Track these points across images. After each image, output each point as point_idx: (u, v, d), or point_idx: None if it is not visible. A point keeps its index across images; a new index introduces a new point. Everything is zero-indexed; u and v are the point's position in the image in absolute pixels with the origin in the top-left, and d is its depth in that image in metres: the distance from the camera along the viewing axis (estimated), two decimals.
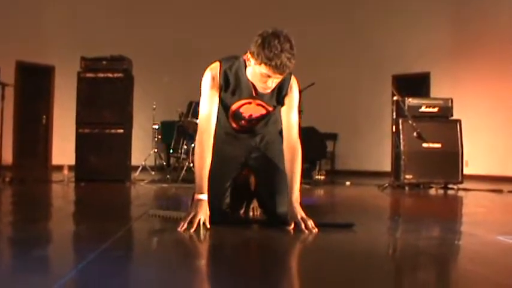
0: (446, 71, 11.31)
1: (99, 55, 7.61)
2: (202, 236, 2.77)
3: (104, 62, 7.50)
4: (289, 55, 2.79)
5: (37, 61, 11.86)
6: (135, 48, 10.39)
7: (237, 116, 3.23)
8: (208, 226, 2.88)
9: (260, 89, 3.01)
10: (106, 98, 7.40)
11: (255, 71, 2.92)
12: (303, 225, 2.92)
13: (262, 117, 3.27)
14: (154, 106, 9.07)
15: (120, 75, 7.46)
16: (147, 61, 11.33)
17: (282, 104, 3.17)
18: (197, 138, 3.07)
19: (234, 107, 3.17)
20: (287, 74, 2.95)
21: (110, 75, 7.43)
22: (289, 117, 3.18)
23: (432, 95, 11.06)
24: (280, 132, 3.26)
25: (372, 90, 12.39)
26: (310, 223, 2.94)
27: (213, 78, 3.06)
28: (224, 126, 3.29)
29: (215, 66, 3.08)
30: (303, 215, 3.00)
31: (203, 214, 2.90)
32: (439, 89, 11.02)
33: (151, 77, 11.71)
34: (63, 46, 11.85)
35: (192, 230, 2.81)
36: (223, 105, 3.17)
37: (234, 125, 3.29)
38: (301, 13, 12.75)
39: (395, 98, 7.49)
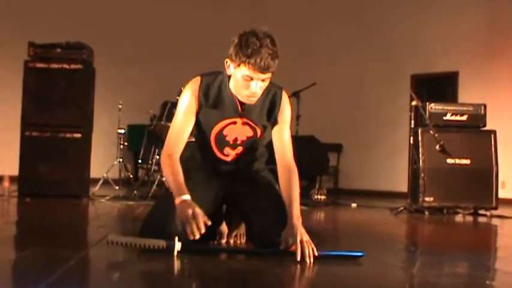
0: (478, 71, 11.28)
1: (52, 41, 7.57)
2: (176, 267, 2.76)
3: (59, 50, 7.44)
4: (270, 51, 3.01)
5: None
6: (97, 34, 10.36)
7: (220, 140, 3.40)
8: (208, 221, 2.93)
9: (245, 100, 3.19)
10: (60, 94, 7.35)
11: (236, 78, 3.13)
12: (298, 251, 2.92)
13: (249, 142, 3.43)
14: (120, 106, 9.03)
15: (78, 66, 7.41)
16: (111, 50, 11.31)
17: (274, 123, 3.39)
18: (163, 155, 3.28)
19: (216, 128, 3.36)
20: (273, 85, 3.27)
21: (66, 66, 7.38)
22: (282, 135, 3.42)
23: (460, 99, 11.09)
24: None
25: (385, 92, 12.38)
26: (310, 249, 2.94)
27: (193, 93, 3.29)
28: (206, 156, 3.48)
29: (195, 80, 3.32)
30: (304, 237, 3.01)
31: (194, 216, 2.92)
32: (469, 93, 11.00)
33: (116, 70, 11.69)
34: (5, 27, 11.79)
35: (196, 236, 2.87)
36: (205, 128, 3.37)
37: (217, 154, 3.45)
38: (295, 1, 12.75)
39: (414, 102, 7.50)
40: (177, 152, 3.25)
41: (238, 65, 3.05)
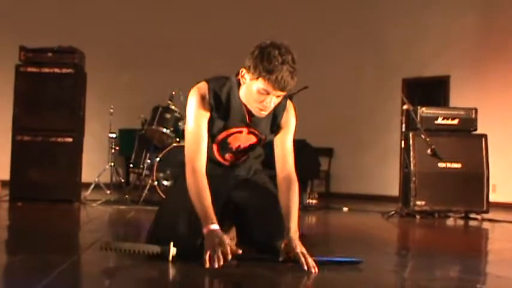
0: (469, 75, 11.22)
1: (44, 45, 7.55)
2: (169, 272, 2.74)
3: (50, 54, 7.43)
4: (291, 69, 2.92)
5: None
6: (88, 39, 10.34)
7: (222, 146, 3.34)
8: (230, 256, 2.84)
9: (256, 112, 3.11)
10: (52, 98, 7.34)
11: (250, 90, 3.03)
12: (302, 259, 2.87)
13: (250, 148, 3.40)
14: (112, 110, 9.01)
15: (69, 70, 7.40)
16: (103, 55, 11.28)
17: (277, 132, 3.32)
18: (187, 170, 3.12)
19: (221, 136, 3.28)
20: (283, 98, 3.13)
21: (57, 70, 7.37)
22: (284, 143, 3.33)
23: (451, 103, 11.07)
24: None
25: (376, 96, 12.37)
26: (311, 261, 2.89)
27: (202, 97, 3.16)
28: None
29: (202, 86, 3.19)
30: (303, 250, 2.97)
31: (221, 246, 2.85)
32: (460, 97, 10.98)
33: (108, 75, 11.65)
34: None
35: (221, 263, 2.77)
36: (209, 134, 3.24)
37: (218, 158, 3.40)
38: (288, 3, 12.73)
39: (405, 106, 7.49)
40: (201, 160, 3.14)
41: (257, 78, 2.95)
